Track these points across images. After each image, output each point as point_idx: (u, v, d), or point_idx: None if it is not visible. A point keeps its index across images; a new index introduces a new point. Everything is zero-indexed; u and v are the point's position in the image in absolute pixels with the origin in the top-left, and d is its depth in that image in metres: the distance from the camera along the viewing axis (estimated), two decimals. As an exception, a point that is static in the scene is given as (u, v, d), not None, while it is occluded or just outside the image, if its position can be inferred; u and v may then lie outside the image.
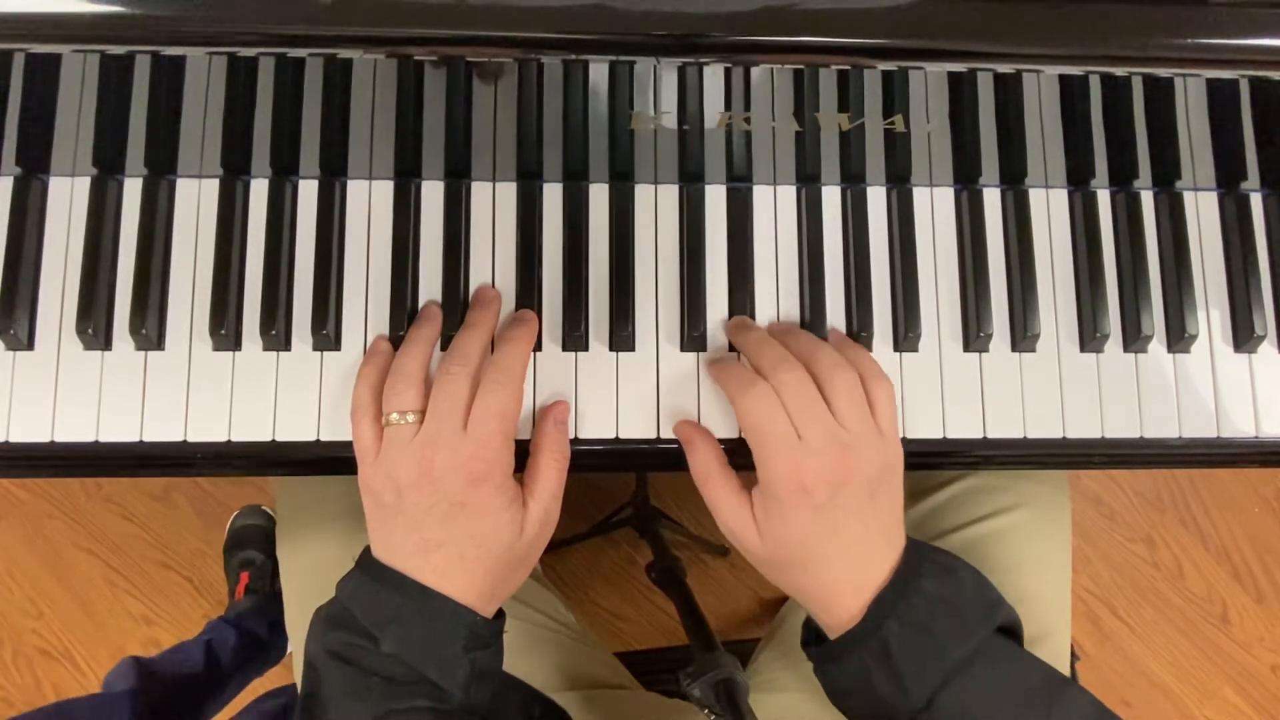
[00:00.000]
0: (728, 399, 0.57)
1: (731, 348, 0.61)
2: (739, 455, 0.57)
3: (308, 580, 0.73)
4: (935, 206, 0.63)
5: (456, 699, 0.51)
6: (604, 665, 0.81)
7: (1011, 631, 0.54)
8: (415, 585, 0.52)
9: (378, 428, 0.55)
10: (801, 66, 0.53)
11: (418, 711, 0.50)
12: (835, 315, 0.62)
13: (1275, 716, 1.50)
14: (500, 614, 0.56)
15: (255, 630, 1.28)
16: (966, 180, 0.63)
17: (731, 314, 0.61)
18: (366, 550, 0.55)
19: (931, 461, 0.62)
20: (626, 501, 1.32)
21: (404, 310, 0.60)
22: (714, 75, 0.54)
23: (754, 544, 0.55)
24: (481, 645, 0.52)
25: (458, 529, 0.52)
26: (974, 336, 0.61)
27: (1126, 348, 0.62)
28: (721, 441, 0.58)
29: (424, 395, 0.54)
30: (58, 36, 0.47)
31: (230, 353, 0.59)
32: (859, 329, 0.61)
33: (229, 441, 0.58)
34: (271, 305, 0.59)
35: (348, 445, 0.56)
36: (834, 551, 0.53)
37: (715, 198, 0.62)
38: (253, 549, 1.42)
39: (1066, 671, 0.71)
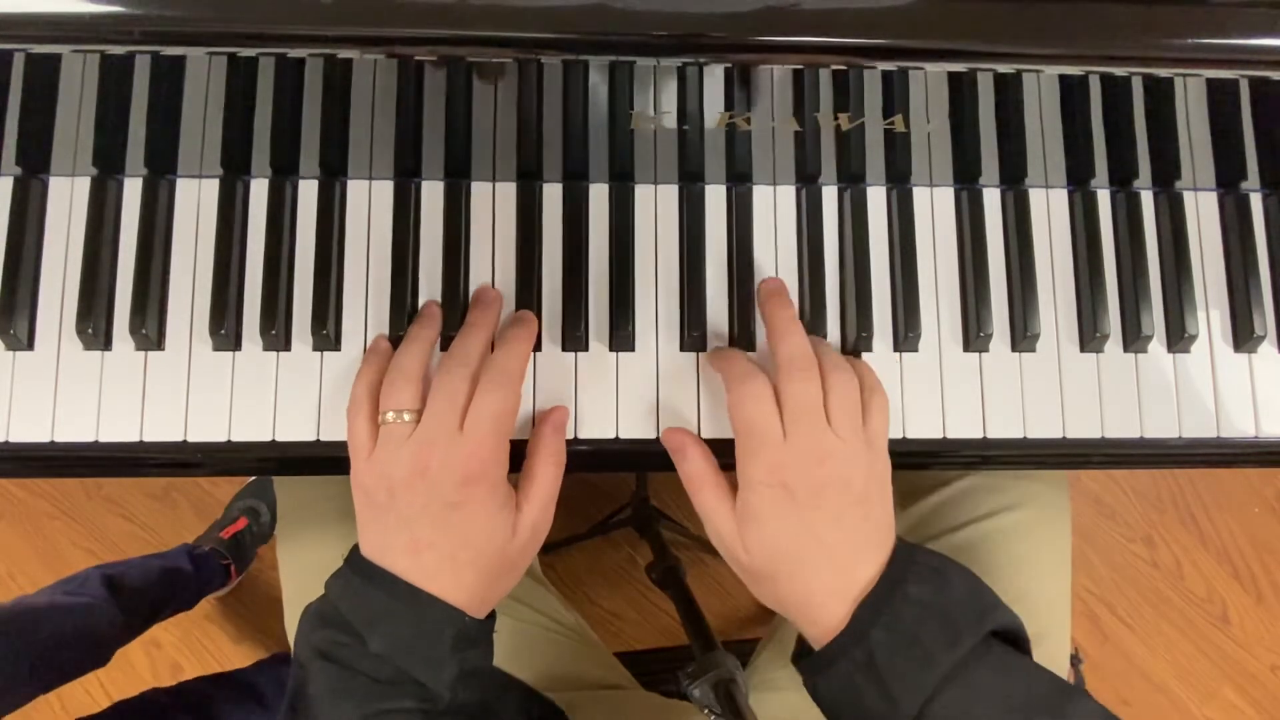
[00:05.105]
0: (723, 386, 0.57)
1: (732, 343, 0.61)
2: (728, 455, 0.56)
3: (307, 581, 0.72)
4: (935, 206, 0.63)
5: (444, 699, 0.51)
6: (604, 665, 0.81)
7: (1012, 636, 0.52)
8: (404, 585, 0.51)
9: (373, 425, 0.54)
10: (801, 66, 0.53)
11: (405, 712, 0.50)
12: (835, 315, 0.62)
13: (1275, 716, 1.50)
14: (491, 614, 0.56)
15: (209, 574, 1.31)
16: (966, 180, 0.63)
17: (732, 315, 0.61)
18: (355, 548, 0.55)
19: (931, 461, 0.62)
20: (626, 501, 1.32)
21: (404, 310, 0.60)
22: (714, 75, 0.53)
23: (740, 552, 0.54)
24: (470, 645, 0.52)
25: (450, 530, 0.52)
26: (974, 336, 0.61)
27: (1126, 348, 0.62)
28: (718, 442, 0.58)
29: (422, 395, 0.54)
30: (58, 36, 0.47)
31: (230, 353, 0.59)
32: (859, 329, 0.61)
33: (229, 441, 0.58)
34: (271, 305, 0.59)
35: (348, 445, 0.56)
36: (816, 557, 0.52)
37: (715, 198, 0.62)
38: (268, 507, 1.42)
39: (1065, 673, 0.71)
